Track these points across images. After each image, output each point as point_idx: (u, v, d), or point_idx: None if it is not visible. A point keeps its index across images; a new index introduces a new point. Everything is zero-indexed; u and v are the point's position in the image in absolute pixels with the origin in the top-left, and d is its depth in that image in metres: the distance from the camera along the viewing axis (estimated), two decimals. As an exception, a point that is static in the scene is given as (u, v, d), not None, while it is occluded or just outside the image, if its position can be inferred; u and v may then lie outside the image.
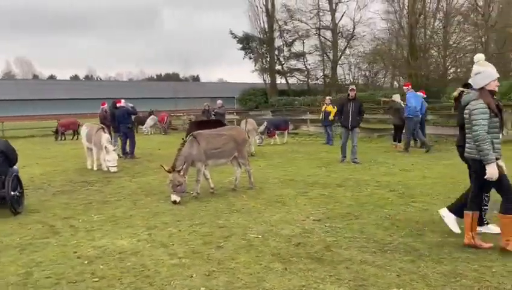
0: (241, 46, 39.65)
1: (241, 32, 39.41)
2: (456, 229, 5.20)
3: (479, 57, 5.22)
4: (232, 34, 39.42)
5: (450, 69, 36.82)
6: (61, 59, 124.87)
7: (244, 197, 7.70)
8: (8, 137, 20.92)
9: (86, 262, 4.71)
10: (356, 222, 5.90)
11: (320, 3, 37.83)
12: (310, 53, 40.01)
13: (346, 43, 38.81)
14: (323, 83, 40.35)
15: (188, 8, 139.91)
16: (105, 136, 10.76)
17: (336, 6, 37.08)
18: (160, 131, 26.45)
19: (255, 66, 40.28)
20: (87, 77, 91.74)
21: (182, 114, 31.90)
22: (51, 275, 4.40)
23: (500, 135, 4.72)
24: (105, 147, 10.71)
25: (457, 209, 5.20)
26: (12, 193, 6.76)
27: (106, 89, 62.05)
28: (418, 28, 32.33)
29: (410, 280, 3.96)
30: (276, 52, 39.34)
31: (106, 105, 14.99)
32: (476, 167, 4.69)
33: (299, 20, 38.55)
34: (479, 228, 5.11)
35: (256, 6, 37.39)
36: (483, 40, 37.84)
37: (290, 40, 39.71)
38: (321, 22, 38.28)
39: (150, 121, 26.00)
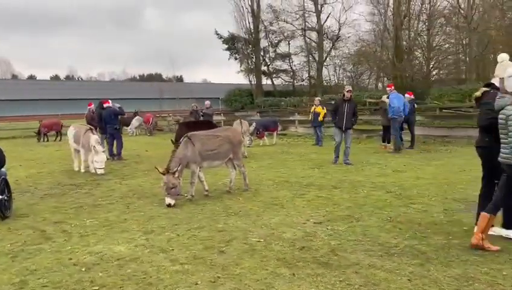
0: (226, 46, 39.44)
1: (227, 33, 39.27)
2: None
3: (503, 57, 5.13)
4: (218, 34, 39.24)
5: (434, 70, 37.33)
6: (41, 59, 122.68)
7: (241, 199, 7.55)
8: (-11, 138, 20.34)
9: (83, 269, 4.51)
10: (358, 224, 5.82)
11: (305, 5, 37.95)
12: (296, 54, 40.12)
13: (331, 45, 38.94)
14: (308, 84, 40.44)
15: (170, 9, 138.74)
16: (94, 137, 10.48)
17: (321, 8, 37.16)
18: (146, 132, 26.08)
19: (240, 66, 40.18)
20: (68, 77, 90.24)
21: (167, 115, 31.51)
22: (48, 283, 4.19)
23: None
24: (94, 147, 10.43)
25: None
26: (0, 196, 6.48)
27: (88, 89, 61.09)
28: (402, 30, 32.64)
29: (423, 284, 3.88)
30: (262, 53, 39.27)
31: (93, 106, 14.65)
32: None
33: (284, 21, 38.58)
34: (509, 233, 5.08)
35: (242, 6, 37.29)
36: (464, 42, 38.51)
37: (276, 41, 39.74)
38: (306, 23, 38.37)
39: (135, 122, 25.59)
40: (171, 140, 13.04)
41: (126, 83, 79.98)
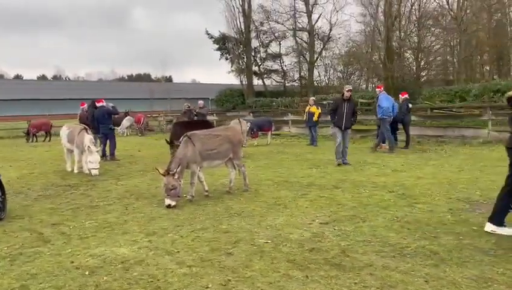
0: (217, 46, 39.24)
1: (217, 33, 39.08)
2: None
3: None
4: (208, 34, 39.03)
5: (423, 71, 37.63)
6: (27, 58, 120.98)
7: (242, 200, 7.41)
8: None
9: (86, 273, 4.33)
10: (365, 224, 5.72)
11: (296, 5, 37.97)
12: (287, 54, 40.09)
13: (322, 45, 39.00)
14: (299, 84, 40.45)
15: (158, 9, 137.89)
16: (88, 137, 10.23)
17: (312, 8, 37.20)
18: (137, 132, 25.78)
19: (231, 66, 40.02)
20: (55, 77, 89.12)
21: (158, 115, 31.20)
22: (50, 288, 4.02)
23: None
24: (88, 147, 10.18)
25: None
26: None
27: (76, 90, 60.31)
28: (393, 31, 32.81)
29: (441, 286, 3.79)
30: (253, 53, 39.14)
31: (86, 105, 14.37)
32: None
33: (275, 22, 38.56)
34: (495, 228, 5.04)
35: (233, 6, 37.13)
36: (452, 44, 38.89)
37: (267, 41, 39.67)
38: (297, 24, 38.38)
39: (125, 122, 25.24)
40: (166, 140, 12.91)
41: (114, 83, 79.12)
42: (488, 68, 42.89)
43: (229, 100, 37.50)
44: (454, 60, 40.06)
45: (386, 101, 13.47)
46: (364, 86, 40.91)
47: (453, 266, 4.21)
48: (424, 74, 37.73)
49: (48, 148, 18.36)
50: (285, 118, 22.38)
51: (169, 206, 6.91)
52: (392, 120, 14.32)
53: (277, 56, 40.07)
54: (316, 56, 38.54)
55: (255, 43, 39.31)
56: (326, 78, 41.75)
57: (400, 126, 14.65)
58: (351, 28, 56.04)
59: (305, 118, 16.89)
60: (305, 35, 38.86)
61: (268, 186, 8.57)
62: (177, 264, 4.48)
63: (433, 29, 37.42)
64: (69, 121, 26.24)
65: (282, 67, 40.66)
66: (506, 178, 5.22)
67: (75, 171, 10.87)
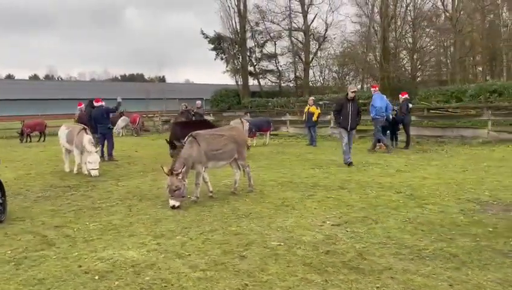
0: (212, 46, 39.03)
1: (213, 33, 38.87)
2: None
3: None
4: (204, 34, 38.81)
5: (418, 72, 37.72)
6: (18, 58, 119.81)
7: (248, 201, 7.27)
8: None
9: (96, 277, 4.17)
10: (377, 226, 5.60)
11: (291, 5, 37.88)
12: (282, 55, 39.99)
13: (317, 45, 38.94)
14: (294, 84, 40.38)
15: (152, 9, 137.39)
16: (87, 137, 10.03)
17: (307, 9, 37.13)
18: (132, 132, 25.52)
19: (226, 66, 39.82)
20: (47, 77, 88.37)
21: (153, 115, 30.94)
22: (60, 294, 3.85)
23: None
24: (86, 147, 9.98)
25: None
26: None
27: (68, 89, 59.80)
28: (389, 31, 32.85)
29: None
30: (248, 53, 38.99)
31: (83, 105, 14.14)
32: None
33: (270, 22, 38.45)
34: None
35: (228, 6, 36.94)
36: (446, 44, 39.05)
37: (262, 41, 39.54)
38: (293, 24, 38.30)
39: (121, 122, 24.95)
40: (166, 140, 12.74)
41: (107, 83, 78.58)
42: (480, 69, 43.19)
43: (225, 100, 37.28)
44: (448, 60, 40.27)
45: (379, 100, 13.47)
46: (359, 86, 40.86)
47: (475, 269, 4.11)
48: (419, 75, 37.80)
49: (42, 149, 18.08)
50: (283, 118, 22.26)
51: (173, 207, 6.77)
52: (393, 120, 14.31)
53: (272, 56, 39.96)
54: (311, 56, 38.47)
55: (250, 43, 39.19)
56: (321, 78, 41.73)
57: (400, 126, 14.61)
58: (346, 29, 56.27)
59: (304, 118, 16.77)
60: (300, 36, 38.82)
61: (272, 187, 8.44)
62: (190, 268, 4.34)
63: (428, 29, 37.56)
64: (61, 121, 25.97)
65: (277, 68, 40.58)
66: None
67: (75, 171, 10.66)
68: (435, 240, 4.97)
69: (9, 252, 4.98)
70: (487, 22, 39.94)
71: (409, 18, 35.98)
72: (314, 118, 16.04)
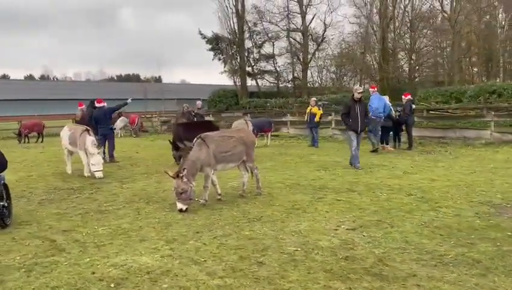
0: (210, 46, 38.84)
1: (210, 33, 38.66)
2: None
3: None
4: (201, 34, 38.58)
5: (416, 72, 37.75)
6: (14, 58, 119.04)
7: (257, 204, 7.15)
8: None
9: (112, 285, 4.04)
10: (393, 230, 5.50)
11: (290, 6, 37.77)
12: (280, 55, 39.85)
13: (316, 46, 38.86)
14: (292, 85, 40.28)
15: (147, 9, 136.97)
16: (90, 139, 9.87)
17: (306, 9, 37.04)
18: (131, 133, 25.33)
19: (224, 67, 39.63)
20: (42, 77, 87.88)
21: (151, 115, 30.74)
22: (75, 303, 3.72)
23: None
24: (88, 149, 9.83)
25: None
26: (0, 203, 5.92)
27: (64, 90, 59.48)
28: (388, 32, 32.83)
29: (496, 297, 3.58)
30: (246, 54, 38.82)
31: (84, 106, 13.97)
32: None
33: (269, 22, 38.32)
34: None
35: (226, 6, 36.73)
36: (443, 45, 39.10)
37: (260, 42, 39.38)
38: (291, 24, 38.20)
39: (119, 122, 24.67)
40: (169, 140, 12.62)
41: (103, 83, 78.25)
42: (476, 70, 43.28)
43: (222, 101, 37.05)
44: (444, 61, 40.32)
45: (377, 101, 13.44)
46: (357, 86, 40.83)
47: (501, 276, 4.02)
48: (417, 75, 37.82)
49: (41, 150, 17.88)
50: (283, 119, 22.15)
51: (181, 210, 6.64)
52: (397, 122, 14.26)
53: (270, 57, 39.79)
54: (309, 57, 38.38)
55: (248, 43, 38.99)
56: (319, 79, 41.64)
57: (403, 127, 14.55)
58: (344, 29, 56.11)
59: (306, 118, 16.66)
60: (298, 36, 38.70)
61: (280, 189, 8.33)
62: (207, 275, 4.21)
63: (425, 30, 37.60)
64: (57, 121, 25.76)
65: (275, 68, 40.43)
66: None
67: (85, 174, 10.35)
68: (455, 245, 4.87)
69: (18, 258, 4.83)
70: (483, 22, 40.03)
71: (407, 19, 36.05)
72: (317, 118, 15.94)
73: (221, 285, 3.99)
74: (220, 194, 7.50)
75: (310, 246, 4.97)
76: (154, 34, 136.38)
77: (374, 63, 37.14)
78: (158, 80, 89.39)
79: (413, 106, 15.00)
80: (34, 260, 4.77)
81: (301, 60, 38.49)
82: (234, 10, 36.78)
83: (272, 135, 18.28)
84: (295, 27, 38.20)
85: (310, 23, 37.68)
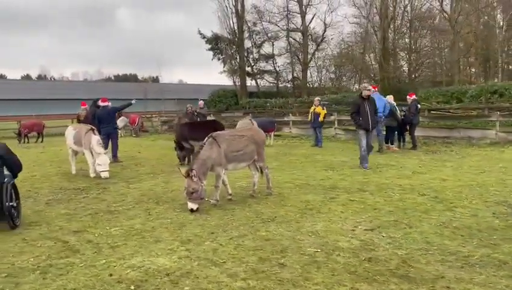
0: (210, 46, 38.73)
1: (210, 33, 38.57)
2: None
3: None
4: (201, 34, 38.50)
5: (416, 72, 37.76)
6: (11, 58, 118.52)
7: (269, 204, 7.04)
8: (-35, 139, 19.07)
9: (132, 288, 3.93)
10: (412, 231, 5.41)
11: (289, 6, 37.73)
12: (280, 55, 39.79)
13: (315, 46, 38.81)
14: (292, 85, 40.22)
15: (145, 9, 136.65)
16: (95, 138, 9.74)
17: (306, 9, 37.00)
18: (131, 133, 25.17)
19: (224, 67, 39.54)
20: (39, 77, 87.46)
21: (151, 115, 30.58)
22: (96, 306, 3.60)
23: None
24: (94, 148, 9.70)
25: None
26: (10, 203, 5.79)
27: (61, 90, 59.11)
28: (389, 32, 32.81)
29: (530, 300, 3.49)
30: (246, 54, 38.73)
31: (87, 105, 13.82)
32: None
33: (268, 22, 38.27)
34: None
35: (226, 6, 36.66)
36: (442, 45, 39.13)
37: (260, 42, 39.32)
38: (291, 24, 38.15)
39: (120, 122, 24.40)
40: (174, 141, 12.50)
41: (100, 83, 77.87)
42: (474, 70, 43.34)
43: (222, 101, 36.96)
44: (442, 62, 40.35)
45: (377, 101, 13.28)
46: (357, 86, 40.83)
47: (531, 277, 3.93)
48: (417, 75, 37.83)
49: (42, 150, 17.74)
50: (285, 119, 22.06)
51: (192, 210, 6.53)
52: (402, 122, 14.18)
53: (270, 57, 39.76)
54: (309, 57, 38.33)
55: (248, 43, 38.97)
56: (318, 79, 41.59)
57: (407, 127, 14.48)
58: (344, 29, 56.18)
59: (310, 118, 16.56)
60: (298, 36, 38.66)
61: (290, 189, 8.23)
62: (229, 277, 4.11)
63: (425, 30, 37.62)
64: (55, 121, 25.57)
65: (275, 68, 40.38)
66: None
67: (91, 175, 10.20)
68: (478, 246, 4.78)
69: (31, 259, 4.71)
70: (481, 23, 40.08)
71: (407, 19, 36.05)
72: (321, 118, 15.84)
73: (244, 287, 3.88)
74: (230, 194, 7.39)
75: (329, 247, 4.87)
76: (153, 34, 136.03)
77: (374, 63, 37.12)
78: (156, 80, 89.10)
79: (419, 106, 14.92)
80: (48, 261, 4.65)
81: (301, 60, 38.45)
82: (234, 10, 36.79)
83: (274, 135, 18.18)
84: (295, 27, 38.22)
85: (309, 23, 37.73)
